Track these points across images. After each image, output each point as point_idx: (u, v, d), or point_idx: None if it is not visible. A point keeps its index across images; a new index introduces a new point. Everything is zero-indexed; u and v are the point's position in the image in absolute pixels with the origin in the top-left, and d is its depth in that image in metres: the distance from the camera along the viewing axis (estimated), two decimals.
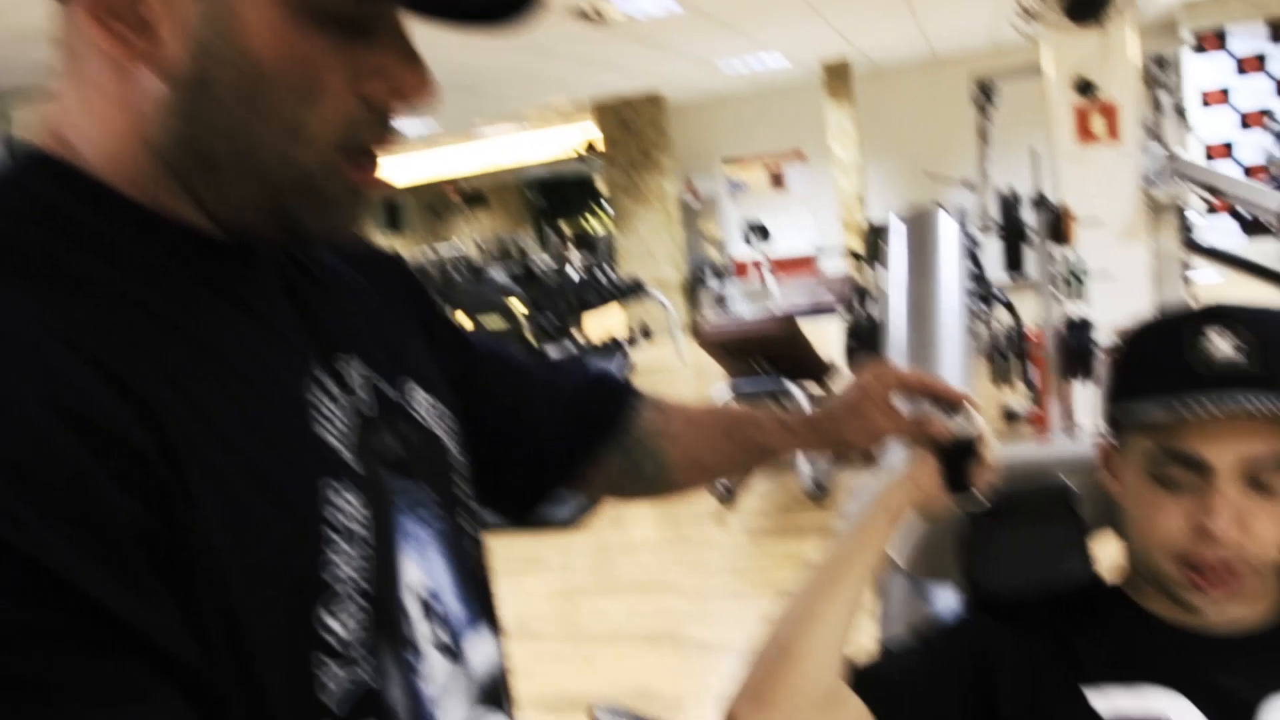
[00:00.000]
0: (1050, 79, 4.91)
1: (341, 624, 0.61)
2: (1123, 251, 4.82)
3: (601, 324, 11.00)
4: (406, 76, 0.64)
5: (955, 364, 1.63)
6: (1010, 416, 5.45)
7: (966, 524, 1.14)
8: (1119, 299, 4.79)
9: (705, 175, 13.26)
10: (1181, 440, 0.95)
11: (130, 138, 0.61)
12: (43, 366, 0.52)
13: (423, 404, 0.77)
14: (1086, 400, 4.76)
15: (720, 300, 11.58)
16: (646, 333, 9.98)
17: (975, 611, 1.14)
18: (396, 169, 16.35)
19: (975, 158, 5.88)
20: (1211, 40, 10.55)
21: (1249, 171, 10.35)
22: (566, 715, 3.10)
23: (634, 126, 11.58)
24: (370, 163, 0.66)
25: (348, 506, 0.63)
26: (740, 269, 11.79)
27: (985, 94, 5.54)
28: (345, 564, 0.62)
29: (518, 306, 5.52)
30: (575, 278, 9.36)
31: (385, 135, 0.66)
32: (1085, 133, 4.92)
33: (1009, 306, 5.66)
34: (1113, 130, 4.87)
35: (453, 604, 0.74)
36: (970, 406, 1.01)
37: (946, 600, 1.28)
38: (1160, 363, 0.97)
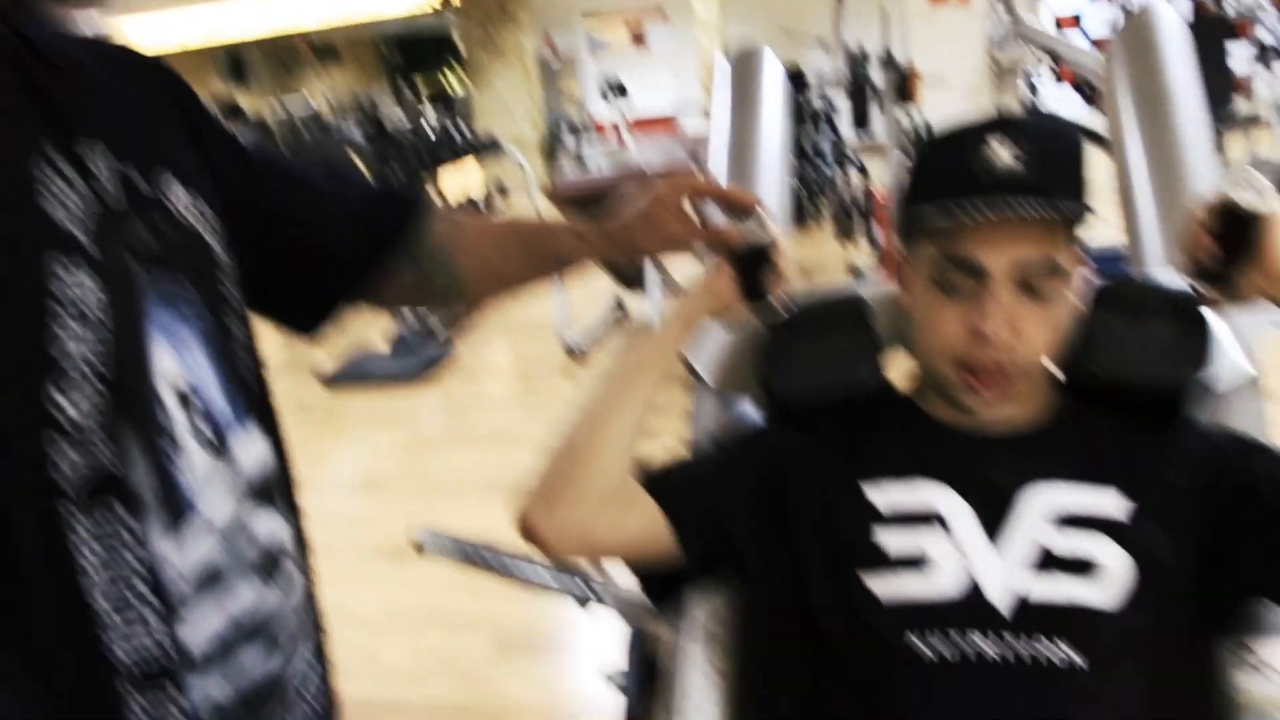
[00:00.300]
0: None
1: (73, 404, 0.61)
2: (968, 111, 4.92)
3: (458, 183, 10.75)
4: None
5: (774, 201, 1.63)
6: (856, 273, 5.58)
7: (765, 336, 1.17)
8: None
9: (565, 32, 12.90)
10: (960, 246, 0.98)
11: None
12: None
13: (182, 200, 0.76)
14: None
15: (579, 159, 11.42)
16: (503, 191, 9.80)
17: (772, 420, 1.18)
18: (240, 18, 15.40)
19: (832, 16, 5.87)
20: None
21: (1096, 44, 10.63)
22: (410, 561, 3.11)
23: None
24: None
25: (79, 287, 0.63)
26: (599, 128, 11.61)
27: None
28: (75, 343, 0.62)
29: (359, 162, 5.31)
30: (430, 135, 9.08)
31: None
32: None
33: (862, 169, 5.74)
34: None
35: (217, 400, 0.74)
36: (763, 212, 1.02)
37: (751, 414, 1.30)
38: (944, 170, 1.00)
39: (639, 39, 12.76)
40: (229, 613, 0.72)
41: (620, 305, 5.59)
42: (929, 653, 0.92)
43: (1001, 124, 1.00)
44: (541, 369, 5.14)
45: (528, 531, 1.02)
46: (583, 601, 1.39)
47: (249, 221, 0.85)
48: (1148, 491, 0.98)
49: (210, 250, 0.77)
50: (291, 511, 0.83)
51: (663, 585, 1.11)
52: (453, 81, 16.00)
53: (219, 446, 0.73)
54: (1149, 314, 1.08)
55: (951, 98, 4.83)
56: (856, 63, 4.81)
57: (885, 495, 1.02)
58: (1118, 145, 1.60)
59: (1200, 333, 1.07)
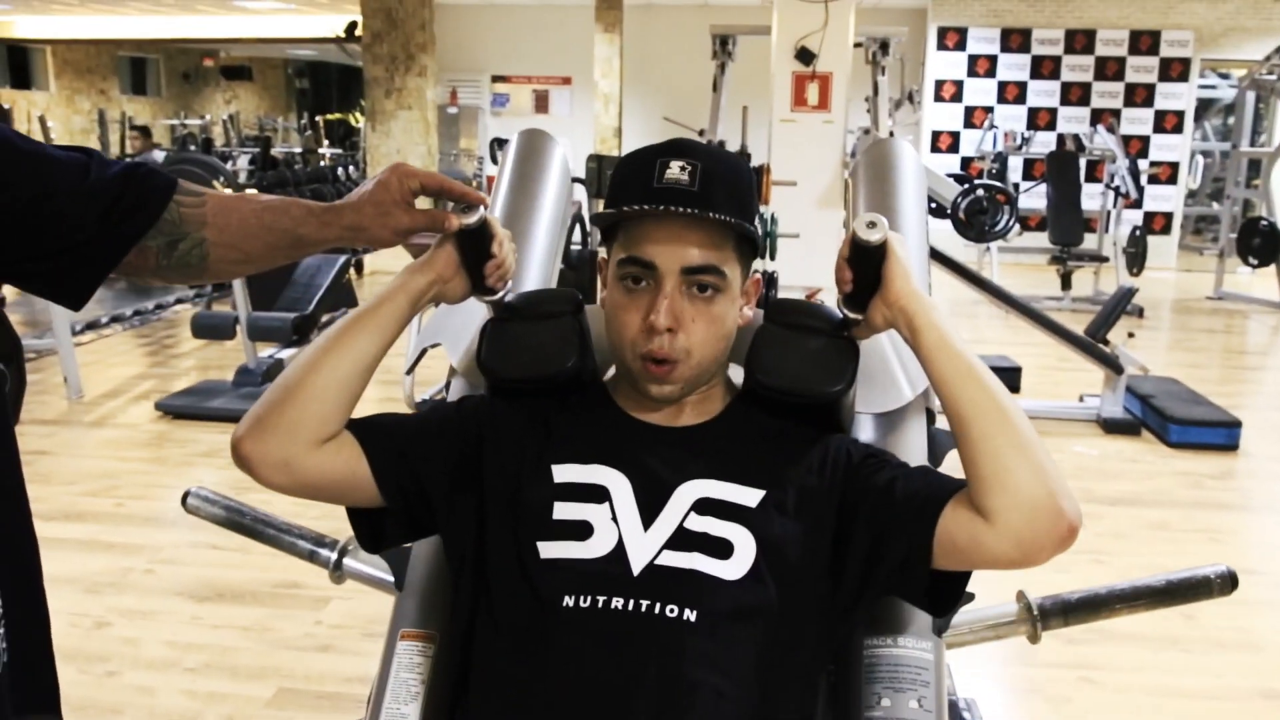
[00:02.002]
0: (775, 42, 5.15)
1: None
2: (817, 215, 5.15)
3: None
4: None
5: (537, 263, 1.73)
6: None
7: (489, 320, 1.29)
8: (805, 260, 5.13)
9: (470, 86, 13.03)
10: (639, 247, 1.14)
11: None
12: None
13: None
14: None
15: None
16: None
17: (488, 392, 1.31)
18: (144, 25, 15.13)
19: (710, 110, 6.10)
20: (953, 37, 11.28)
21: (966, 163, 11.18)
22: (209, 605, 3.08)
23: (400, 21, 11.21)
24: None
25: None
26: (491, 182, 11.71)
27: (723, 47, 5.74)
28: None
29: (220, 186, 5.28)
30: (318, 171, 9.05)
31: None
32: (799, 99, 5.20)
33: None
34: (824, 100, 5.18)
35: None
36: (477, 200, 1.13)
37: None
38: (628, 181, 1.16)
39: (542, 102, 12.97)
40: None
41: None
42: (572, 603, 1.06)
43: (678, 147, 1.16)
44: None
45: (239, 456, 1.10)
46: (332, 569, 1.44)
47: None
48: (782, 487, 1.14)
49: None
50: None
51: (375, 533, 1.20)
52: (356, 120, 15.94)
53: None
54: (804, 331, 1.22)
55: (801, 200, 5.04)
56: None
57: (568, 475, 1.15)
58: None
59: (843, 353, 1.21)
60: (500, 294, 1.22)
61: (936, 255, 4.85)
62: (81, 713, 2.50)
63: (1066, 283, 8.49)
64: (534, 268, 1.70)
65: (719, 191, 1.13)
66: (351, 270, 7.12)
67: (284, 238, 1.13)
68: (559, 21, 12.34)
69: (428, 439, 1.19)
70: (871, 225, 1.08)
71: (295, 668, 2.71)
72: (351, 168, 10.25)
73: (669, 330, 1.13)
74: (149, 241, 1.06)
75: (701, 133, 6.21)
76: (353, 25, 11.98)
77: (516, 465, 1.17)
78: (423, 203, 1.15)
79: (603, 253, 1.24)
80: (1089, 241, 9.04)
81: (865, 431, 1.43)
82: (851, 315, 1.16)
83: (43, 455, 4.46)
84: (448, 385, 1.50)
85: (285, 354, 5.53)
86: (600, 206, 6.45)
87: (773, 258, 5.02)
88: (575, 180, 8.81)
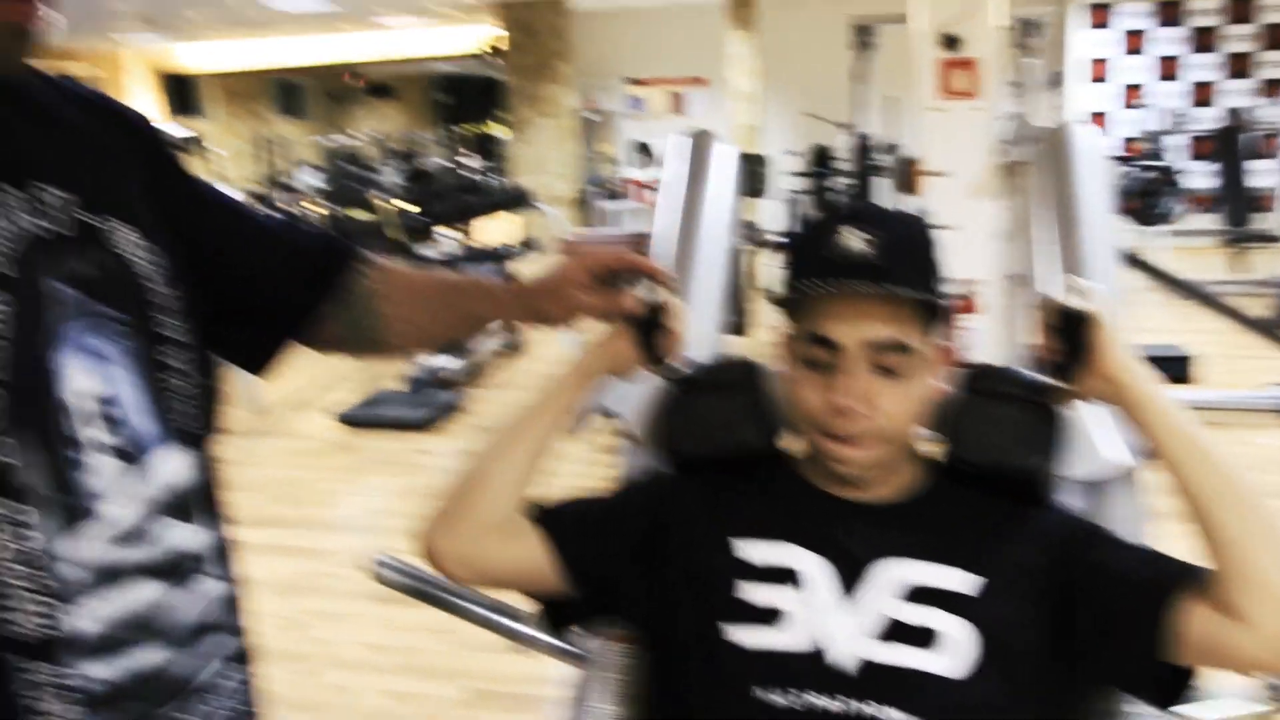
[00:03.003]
0: (915, 29, 5.04)
1: None
2: (971, 207, 5.02)
3: (492, 230, 10.95)
4: None
5: (712, 274, 1.74)
6: None
7: (667, 393, 1.28)
8: (962, 253, 5.02)
9: (606, 91, 13.16)
10: (818, 324, 1.08)
11: None
12: None
13: (127, 239, 0.86)
14: None
15: (607, 216, 11.61)
16: (529, 244, 9.97)
17: (669, 469, 1.28)
18: (294, 49, 15.79)
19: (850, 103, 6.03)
20: (1100, 14, 10.84)
21: (1126, 143, 10.75)
22: (395, 607, 3.20)
23: (536, 32, 11.42)
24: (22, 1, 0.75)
25: None
26: (634, 185, 11.79)
27: (861, 38, 5.66)
28: None
29: (383, 203, 5.49)
30: (466, 181, 9.29)
31: None
32: (947, 87, 5.08)
33: None
34: (973, 87, 5.04)
35: (137, 417, 0.84)
36: (660, 282, 1.13)
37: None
38: (805, 254, 1.11)
39: (677, 104, 13.00)
40: (123, 607, 0.81)
41: None
42: (772, 703, 1.01)
43: (855, 214, 1.12)
44: None
45: (425, 551, 1.13)
46: (521, 640, 1.49)
47: (200, 261, 0.95)
48: (998, 569, 1.06)
49: (147, 286, 0.87)
50: (212, 525, 0.93)
51: (559, 615, 1.20)
52: (498, 130, 16.32)
53: (133, 459, 0.83)
54: (1006, 401, 1.17)
55: (954, 191, 4.93)
56: (864, 151, 4.93)
57: (752, 553, 1.10)
58: (1025, 243, 1.72)
59: (1049, 423, 1.15)
60: (676, 367, 1.20)
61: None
62: (286, 709, 2.64)
63: (1240, 265, 8.07)
64: (707, 282, 1.70)
65: (903, 260, 1.07)
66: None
67: (460, 315, 1.17)
68: (692, 22, 12.34)
69: (612, 525, 1.18)
70: (1081, 293, 1.04)
71: (486, 669, 2.80)
72: (500, 178, 10.47)
73: (857, 413, 1.07)
74: (332, 311, 1.10)
75: (844, 127, 6.15)
76: (496, 48, 12.25)
77: (698, 541, 1.14)
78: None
79: (779, 319, 1.19)
80: (1263, 221, 8.57)
81: (1069, 498, 1.32)
82: (1060, 387, 1.10)
83: (229, 464, 4.72)
84: (622, 451, 1.45)
85: (447, 361, 5.70)
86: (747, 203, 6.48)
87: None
88: None
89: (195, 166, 1.10)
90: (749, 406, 1.23)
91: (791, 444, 1.24)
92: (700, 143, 1.89)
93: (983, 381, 1.19)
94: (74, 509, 0.78)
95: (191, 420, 0.91)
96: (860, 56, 5.85)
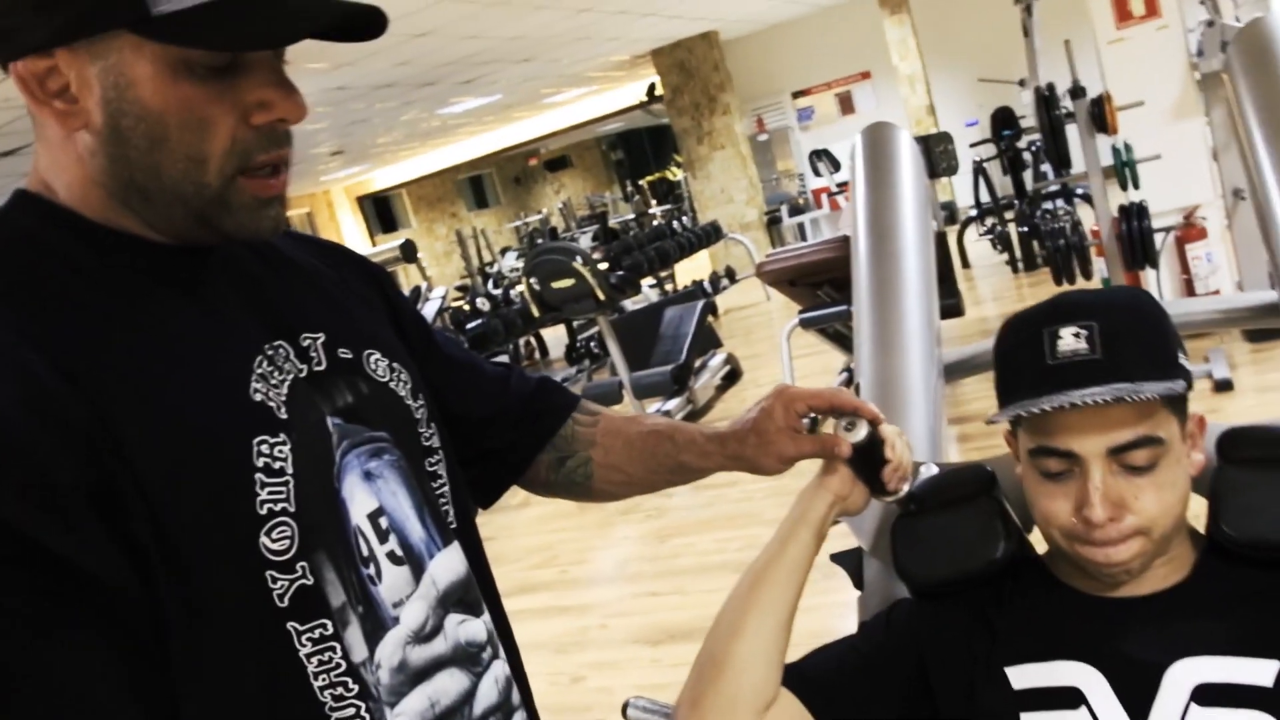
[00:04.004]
0: None
1: (275, 541, 0.79)
2: (1172, 131, 4.72)
3: (689, 269, 11.11)
4: (282, 103, 0.81)
5: (914, 264, 1.70)
6: None
7: (899, 519, 1.19)
8: (1174, 181, 4.71)
9: (773, 109, 13.17)
10: (1050, 436, 0.99)
11: (85, 179, 0.80)
12: (13, 367, 0.72)
13: (381, 365, 0.94)
14: (1156, 286, 4.71)
15: (800, 231, 11.56)
16: (731, 275, 10.05)
17: (912, 599, 1.17)
18: (471, 146, 16.61)
19: (1027, 57, 5.79)
20: None
21: None
22: (664, 647, 3.29)
23: (694, 70, 11.59)
24: (270, 174, 0.83)
25: (276, 451, 0.80)
26: (823, 194, 11.70)
27: None
28: (273, 497, 0.79)
29: (583, 268, 5.68)
30: (655, 230, 9.51)
31: (277, 151, 0.83)
32: (1123, 14, 4.82)
33: (1069, 205, 5.58)
34: (1152, 6, 4.76)
35: (414, 527, 0.91)
36: (867, 414, 1.06)
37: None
38: (1016, 361, 1.03)
39: (846, 104, 12.85)
40: (432, 698, 0.88)
41: (850, 378, 5.65)
42: None
43: (1066, 309, 1.01)
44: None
45: None
46: None
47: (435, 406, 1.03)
48: None
49: (408, 406, 0.95)
50: (491, 608, 0.99)
51: None
52: (674, 173, 16.59)
53: (416, 564, 0.90)
54: (1271, 465, 1.04)
55: (1152, 119, 4.64)
56: (1046, 101, 4.72)
57: (1029, 678, 1.01)
58: (1238, 155, 1.58)
59: None
60: (904, 493, 1.11)
61: None
62: None
63: None
64: (913, 281, 1.65)
65: (1127, 349, 0.96)
66: (710, 315, 7.40)
67: (667, 463, 1.15)
68: (843, 21, 12.22)
69: (869, 677, 1.09)
70: None
71: None
72: (684, 219, 10.64)
73: (1110, 520, 0.97)
74: (543, 455, 1.15)
75: (1022, 83, 5.91)
76: (651, 88, 12.52)
77: (967, 676, 1.04)
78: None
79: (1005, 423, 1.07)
80: None
81: None
82: None
83: (488, 541, 4.94)
84: (860, 568, 1.36)
85: (670, 405, 5.80)
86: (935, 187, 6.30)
87: (1136, 187, 4.66)
88: None
89: (409, 273, 1.19)
90: (988, 518, 1.13)
91: (1041, 545, 1.14)
92: (877, 136, 1.87)
93: (1249, 448, 1.06)
94: (378, 619, 0.85)
95: (458, 515, 0.98)
96: (1026, 7, 5.63)
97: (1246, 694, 0.93)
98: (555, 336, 9.80)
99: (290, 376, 0.85)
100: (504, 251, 12.37)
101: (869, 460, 1.08)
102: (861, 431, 1.05)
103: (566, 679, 3.22)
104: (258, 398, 0.81)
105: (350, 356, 0.91)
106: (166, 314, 0.82)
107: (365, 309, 1.00)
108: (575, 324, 8.66)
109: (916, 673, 1.07)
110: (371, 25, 0.81)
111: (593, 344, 8.48)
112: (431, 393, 1.02)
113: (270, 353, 0.85)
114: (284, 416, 0.82)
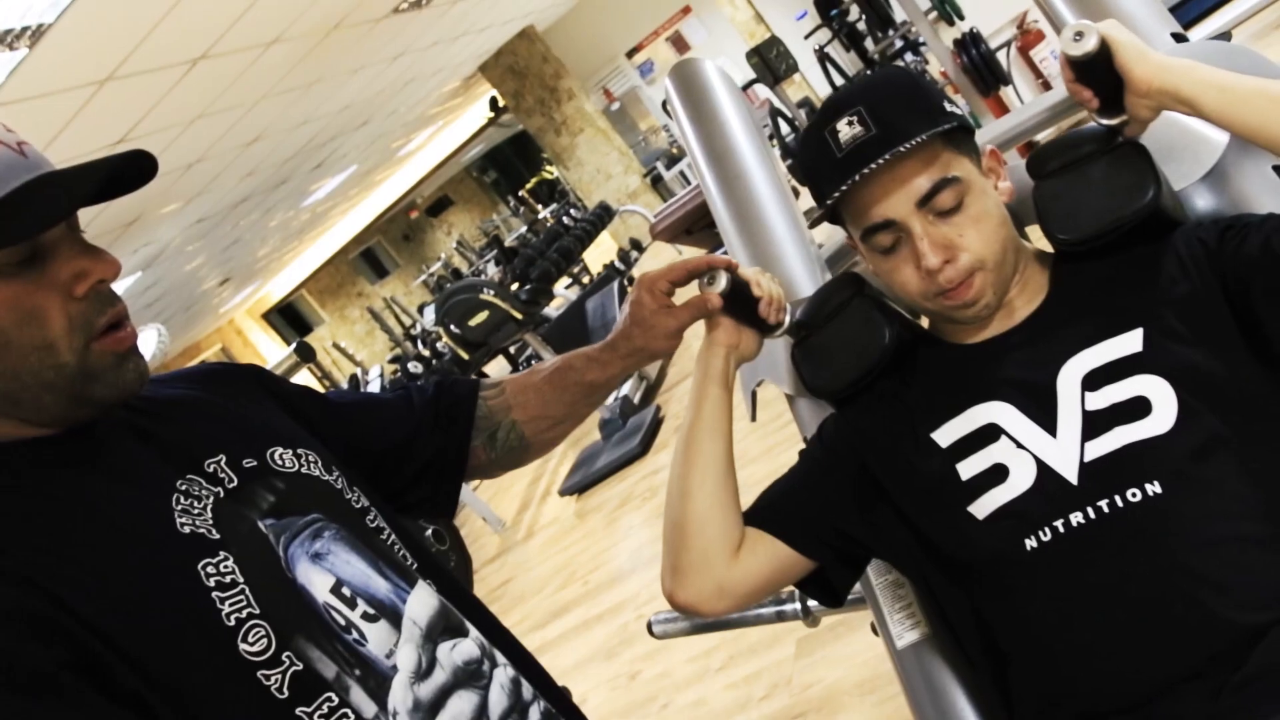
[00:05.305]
0: None
1: (252, 643, 0.84)
2: None
3: (599, 256, 11.15)
4: (96, 266, 0.86)
5: (769, 186, 1.72)
6: None
7: (795, 346, 1.29)
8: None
9: (616, 76, 13.20)
10: (866, 215, 1.10)
11: None
12: None
13: (286, 456, 0.99)
14: (1017, 99, 4.81)
15: (686, 179, 11.62)
16: (637, 246, 10.09)
17: (834, 412, 1.28)
18: (346, 225, 16.47)
19: None
20: None
21: None
22: None
23: (525, 69, 11.57)
24: (116, 329, 0.88)
25: (222, 567, 0.86)
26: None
27: None
28: (236, 607, 0.85)
29: (491, 297, 5.69)
30: (550, 232, 9.51)
31: (112, 310, 0.88)
32: None
33: (922, 48, 5.64)
34: None
35: (378, 584, 0.97)
36: (720, 263, 1.14)
37: None
38: (816, 166, 1.12)
39: (681, 44, 12.91)
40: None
41: None
42: (1034, 544, 1.00)
43: (835, 106, 1.11)
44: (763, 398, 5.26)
45: (679, 606, 1.16)
46: (805, 617, 1.56)
47: (355, 455, 1.10)
48: (1157, 314, 1.03)
49: (326, 482, 1.00)
50: (476, 622, 1.04)
51: (828, 589, 1.22)
52: (550, 172, 16.58)
53: (393, 615, 0.95)
54: (1078, 165, 1.13)
55: None
56: None
57: (951, 433, 1.10)
58: None
59: (1134, 157, 1.11)
60: (787, 324, 1.21)
61: None
62: None
63: None
64: (766, 192, 1.67)
65: (892, 113, 1.07)
66: (629, 289, 7.42)
67: (577, 390, 1.23)
68: None
69: (818, 489, 1.19)
70: (1079, 36, 1.02)
71: (794, 666, 2.87)
72: (573, 211, 10.65)
73: (946, 262, 1.07)
74: (475, 440, 1.21)
75: None
76: (493, 101, 12.48)
77: (902, 456, 1.13)
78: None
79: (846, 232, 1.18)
80: None
81: (1201, 200, 1.25)
82: (1114, 123, 1.09)
83: (508, 583, 4.99)
84: (795, 412, 1.44)
85: (624, 389, 5.83)
86: (776, 93, 6.38)
87: (961, 18, 4.75)
88: (747, 86, 8.55)
89: (340, 366, 1.24)
90: (866, 317, 1.22)
91: (923, 322, 1.25)
92: (682, 74, 1.86)
93: (1049, 161, 1.15)
94: (378, 673, 0.91)
95: (414, 555, 1.04)
96: None
97: (1125, 365, 1.02)
98: (499, 368, 9.81)
99: (209, 501, 0.90)
100: (421, 309, 12.30)
101: (743, 303, 1.17)
102: (722, 281, 1.14)
103: (624, 679, 3.27)
104: (186, 530, 0.86)
105: (255, 464, 0.96)
106: (78, 493, 0.86)
107: (256, 408, 1.05)
108: (512, 349, 8.66)
109: (860, 472, 1.16)
110: (144, 169, 0.86)
111: (535, 363, 8.47)
112: (348, 451, 1.08)
113: (184, 488, 0.89)
114: (216, 537, 0.87)
